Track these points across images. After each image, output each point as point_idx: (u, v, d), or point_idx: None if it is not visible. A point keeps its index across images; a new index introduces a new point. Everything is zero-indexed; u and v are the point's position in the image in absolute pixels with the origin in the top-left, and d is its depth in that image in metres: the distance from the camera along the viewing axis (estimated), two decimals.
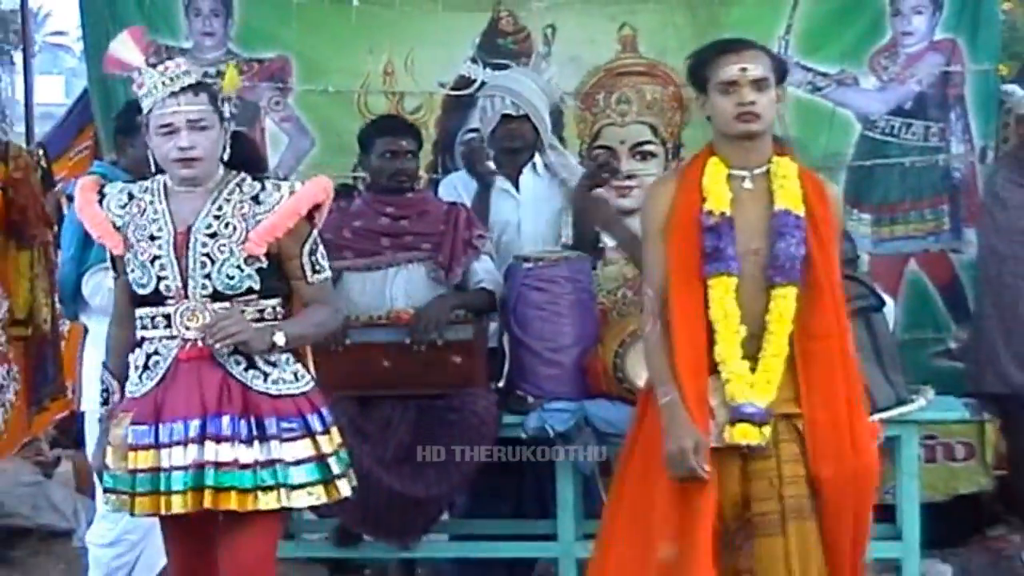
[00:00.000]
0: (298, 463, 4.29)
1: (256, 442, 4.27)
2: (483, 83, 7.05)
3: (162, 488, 4.23)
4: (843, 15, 7.05)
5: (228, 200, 4.39)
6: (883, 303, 6.12)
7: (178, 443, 4.25)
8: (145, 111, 4.30)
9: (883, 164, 7.02)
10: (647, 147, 7.06)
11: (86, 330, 5.99)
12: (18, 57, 16.87)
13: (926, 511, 5.95)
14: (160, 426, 4.26)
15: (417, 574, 6.63)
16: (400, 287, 5.99)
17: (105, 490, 4.41)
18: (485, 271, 6.08)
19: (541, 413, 5.86)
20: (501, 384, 6.18)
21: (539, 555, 6.24)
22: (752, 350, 4.26)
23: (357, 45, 7.21)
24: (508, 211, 6.39)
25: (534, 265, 6.03)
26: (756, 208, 4.32)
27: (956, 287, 7.03)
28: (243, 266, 4.33)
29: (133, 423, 4.29)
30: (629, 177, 6.89)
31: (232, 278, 4.32)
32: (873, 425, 4.53)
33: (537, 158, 6.44)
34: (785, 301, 4.25)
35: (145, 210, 4.32)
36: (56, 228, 6.98)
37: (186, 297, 4.30)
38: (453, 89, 7.18)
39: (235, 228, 4.33)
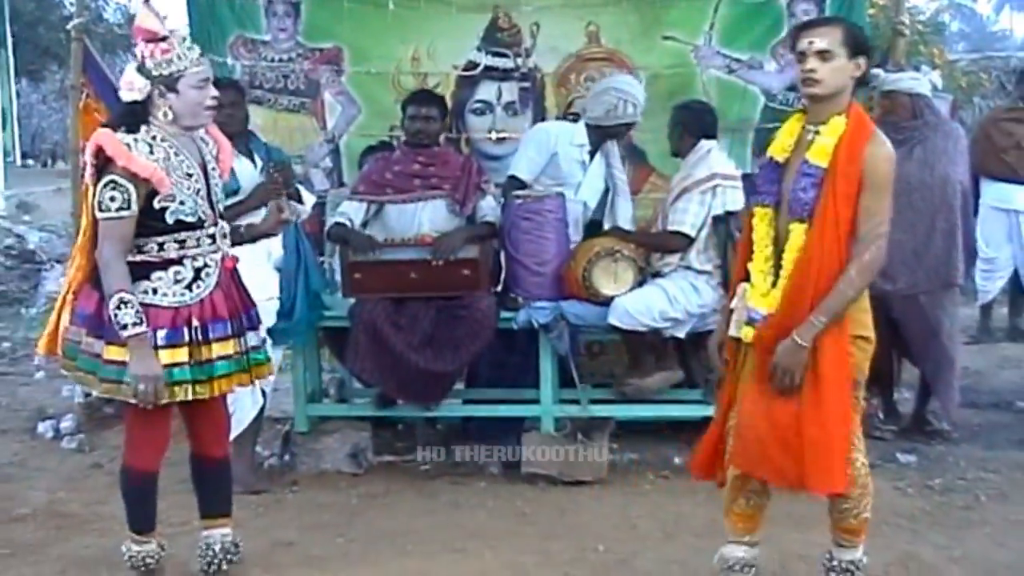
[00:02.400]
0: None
1: (256, 328, 4.62)
2: (487, 67, 7.25)
3: (226, 370, 4.46)
4: (751, 16, 7.12)
5: (204, 141, 4.54)
6: None
7: (239, 333, 4.51)
8: (175, 70, 4.29)
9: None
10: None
11: None
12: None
13: None
14: (231, 321, 4.47)
15: (437, 428, 6.87)
16: (426, 216, 6.32)
17: (176, 383, 4.30)
18: (489, 207, 6.40)
19: (528, 310, 6.23)
20: (499, 289, 6.48)
21: (526, 414, 6.39)
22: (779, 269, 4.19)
23: (392, 37, 7.29)
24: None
25: (523, 200, 6.34)
26: (799, 156, 4.17)
27: None
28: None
29: (213, 320, 4.40)
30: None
31: (223, 202, 4.58)
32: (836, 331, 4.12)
33: (609, 145, 6.61)
34: (794, 234, 4.13)
35: (168, 155, 4.31)
36: None
37: (216, 220, 4.47)
38: (464, 70, 7.28)
39: (214, 162, 4.53)
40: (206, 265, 4.41)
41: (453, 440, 6.66)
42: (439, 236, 6.23)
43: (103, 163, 4.28)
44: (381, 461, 6.50)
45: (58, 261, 12.12)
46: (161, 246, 4.33)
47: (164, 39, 4.34)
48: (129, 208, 4.22)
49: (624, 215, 6.61)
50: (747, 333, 4.25)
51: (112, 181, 4.23)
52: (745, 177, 6.31)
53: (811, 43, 4.11)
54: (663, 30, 7.17)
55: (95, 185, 4.31)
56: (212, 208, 4.44)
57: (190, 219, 4.34)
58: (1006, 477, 6.15)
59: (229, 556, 4.70)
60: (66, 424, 7.07)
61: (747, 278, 4.33)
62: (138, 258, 4.31)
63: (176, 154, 4.35)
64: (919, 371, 6.97)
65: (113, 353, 4.29)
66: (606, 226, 6.58)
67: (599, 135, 6.53)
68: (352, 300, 6.29)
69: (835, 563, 4.44)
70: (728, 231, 6.14)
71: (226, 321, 4.45)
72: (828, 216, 4.09)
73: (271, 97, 7.17)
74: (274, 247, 6.00)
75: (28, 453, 6.75)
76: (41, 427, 7.13)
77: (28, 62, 24.73)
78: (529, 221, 6.40)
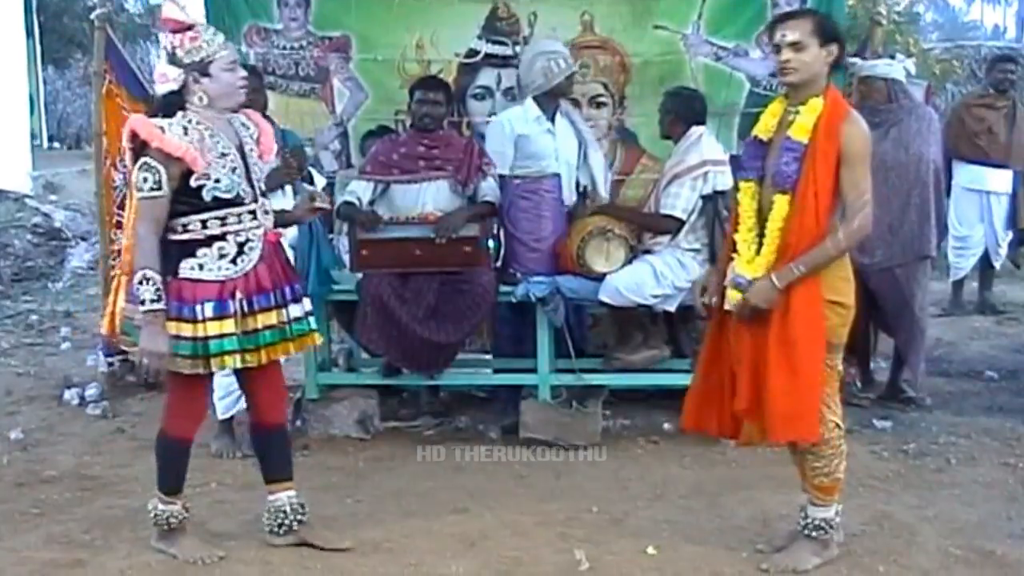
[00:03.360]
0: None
1: (298, 300, 4.57)
2: (487, 54, 7.22)
3: (269, 340, 4.44)
4: (737, 6, 7.10)
5: (244, 126, 4.52)
6: None
7: (282, 304, 4.48)
8: (205, 55, 4.30)
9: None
10: (600, 99, 7.20)
11: None
12: (161, 37, 16.84)
13: None
14: (274, 293, 4.44)
15: (440, 396, 6.87)
16: (430, 196, 6.30)
17: (225, 353, 4.30)
18: (489, 188, 6.35)
19: (526, 284, 6.22)
20: (498, 264, 6.48)
21: (524, 383, 6.40)
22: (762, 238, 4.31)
23: (398, 26, 7.26)
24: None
25: (522, 181, 6.36)
26: (781, 134, 4.30)
27: None
28: (264, 171, 4.59)
29: (258, 292, 4.39)
30: (588, 120, 6.89)
31: (263, 181, 4.55)
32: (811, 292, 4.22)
33: (563, 103, 6.54)
34: (777, 204, 4.24)
35: (203, 136, 4.29)
36: None
37: (256, 197, 4.44)
38: (465, 58, 7.26)
39: (252, 144, 4.50)
40: (248, 240, 4.39)
41: (455, 407, 6.68)
42: (442, 215, 6.21)
43: (139, 147, 4.27)
44: (387, 427, 6.50)
45: (82, 238, 12.14)
46: (204, 224, 4.31)
47: (191, 27, 4.35)
48: (160, 189, 4.21)
49: (597, 165, 6.60)
50: (732, 296, 4.34)
51: (145, 163, 4.22)
52: (732, 159, 6.27)
53: (784, 36, 4.27)
54: (654, 19, 7.15)
55: (132, 168, 4.32)
56: (252, 186, 4.42)
57: (227, 196, 4.33)
58: (975, 441, 6.17)
59: (298, 516, 4.68)
60: (91, 392, 7.10)
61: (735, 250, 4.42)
62: (183, 236, 4.31)
63: (211, 135, 4.34)
64: (893, 342, 6.98)
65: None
66: (583, 181, 6.59)
67: (549, 100, 6.46)
68: (360, 275, 6.29)
69: (809, 520, 4.46)
70: (716, 210, 6.11)
71: (269, 293, 4.45)
72: (808, 187, 4.20)
73: (283, 83, 7.17)
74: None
75: (55, 419, 6.76)
76: (67, 395, 7.14)
77: (54, 51, 24.65)
78: (527, 200, 6.42)
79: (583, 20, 7.21)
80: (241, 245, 4.38)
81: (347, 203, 6.33)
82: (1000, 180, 9.37)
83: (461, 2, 7.28)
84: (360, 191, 6.39)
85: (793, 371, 4.21)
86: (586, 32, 7.18)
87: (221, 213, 4.33)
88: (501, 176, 6.42)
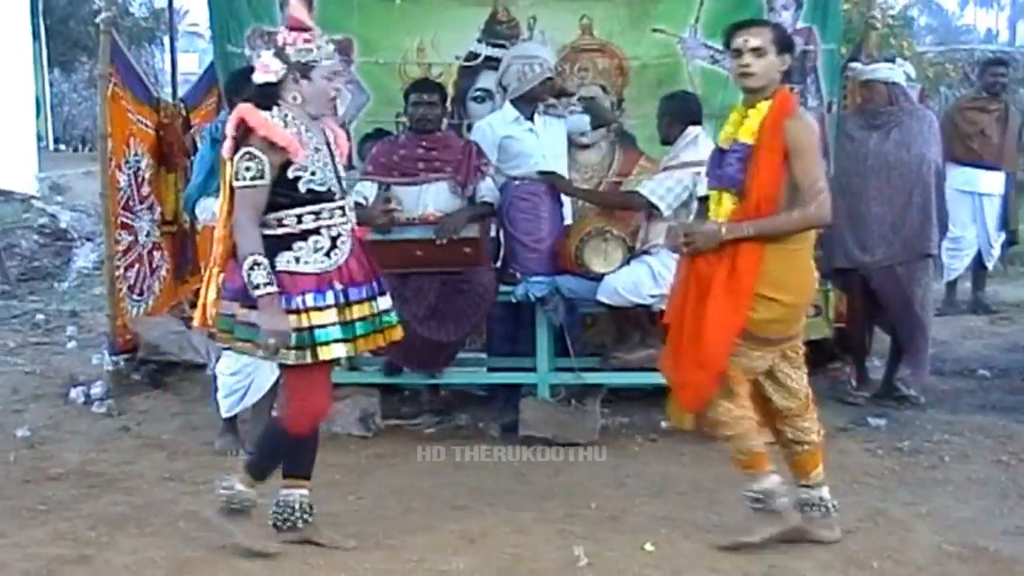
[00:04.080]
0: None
1: (384, 294, 4.57)
2: (487, 57, 7.19)
3: (365, 331, 4.48)
4: (734, 10, 6.81)
5: (321, 128, 4.52)
6: None
7: (372, 297, 4.50)
8: (311, 59, 4.34)
9: None
10: (600, 100, 7.06)
11: (214, 231, 5.66)
12: (166, 40, 16.74)
13: None
14: (365, 286, 4.47)
15: (441, 394, 6.85)
16: (430, 197, 6.29)
17: (326, 343, 4.33)
18: (488, 188, 6.36)
19: (525, 284, 6.24)
20: (498, 264, 6.48)
21: (524, 381, 6.41)
22: None
23: (399, 30, 7.25)
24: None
25: (521, 183, 6.38)
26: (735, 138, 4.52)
27: None
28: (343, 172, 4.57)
29: (352, 284, 4.42)
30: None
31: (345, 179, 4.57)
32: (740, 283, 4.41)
33: (541, 105, 6.53)
34: (724, 199, 4.51)
35: (300, 131, 4.33)
36: (191, 158, 6.99)
37: (344, 194, 4.49)
38: (465, 61, 7.28)
39: (335, 146, 4.54)
40: (340, 235, 4.41)
41: (456, 406, 6.68)
42: (442, 216, 6.20)
43: (242, 135, 4.28)
44: (388, 425, 6.50)
45: (88, 239, 12.14)
46: (299, 218, 4.33)
47: (309, 30, 4.42)
48: (262, 177, 4.25)
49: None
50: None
51: (248, 152, 4.25)
52: None
53: (746, 41, 4.45)
54: (652, 23, 7.17)
55: (232, 158, 4.31)
56: (340, 183, 4.47)
57: (321, 189, 4.36)
58: (968, 439, 6.17)
59: (305, 516, 4.65)
60: (96, 390, 7.08)
61: None
62: (279, 231, 4.32)
63: (307, 130, 4.38)
64: (890, 340, 6.99)
65: None
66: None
67: (527, 102, 6.46)
68: None
69: (748, 495, 4.61)
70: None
71: (361, 285, 4.47)
72: (753, 184, 4.40)
73: None
74: None
75: (61, 417, 6.76)
76: (73, 393, 7.13)
77: (60, 53, 24.67)
78: (526, 202, 6.43)
79: (582, 24, 7.22)
80: (334, 239, 4.40)
81: (356, 204, 6.24)
82: (992, 182, 9.41)
83: (461, 6, 7.29)
84: (367, 192, 6.38)
85: (696, 342, 4.45)
86: (585, 36, 7.18)
87: (315, 208, 4.36)
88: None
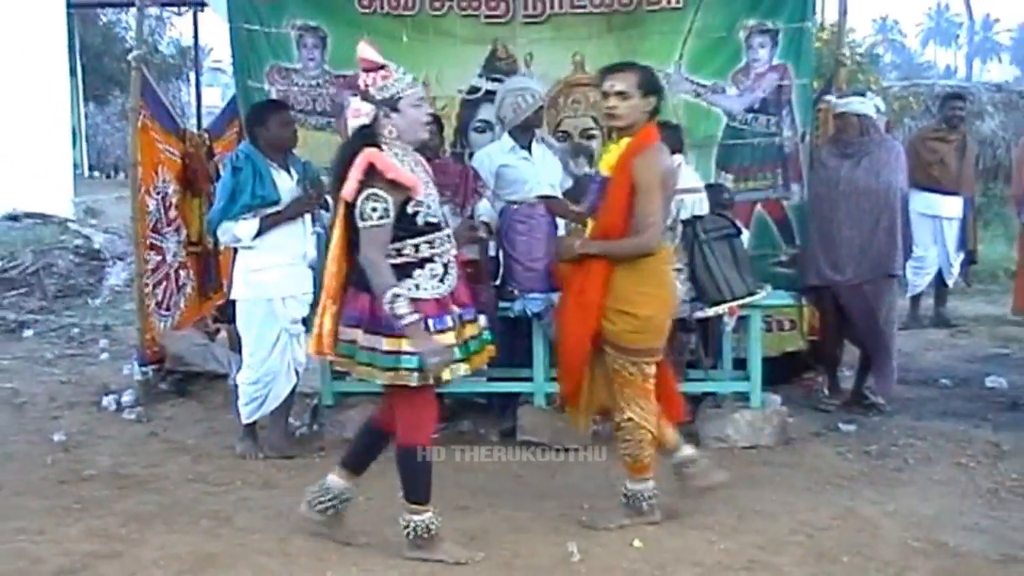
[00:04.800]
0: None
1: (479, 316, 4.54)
2: (487, 91, 7.12)
3: (474, 350, 4.46)
4: (715, 47, 7.10)
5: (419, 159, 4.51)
6: (740, 231, 6.38)
7: (473, 320, 4.47)
8: (394, 92, 4.31)
9: (741, 143, 7.13)
10: (591, 131, 7.16)
11: (235, 251, 5.97)
12: (192, 76, 16.80)
13: (765, 362, 6.28)
14: (468, 308, 4.46)
15: (444, 402, 6.37)
16: None
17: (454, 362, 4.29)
18: (485, 209, 6.31)
19: (523, 300, 6.21)
20: (498, 282, 6.38)
21: (522, 390, 6.39)
22: None
23: (406, 65, 6.53)
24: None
25: (518, 207, 6.33)
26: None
27: (786, 221, 7.14)
28: None
29: (462, 306, 4.41)
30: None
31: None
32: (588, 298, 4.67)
33: (537, 132, 6.50)
34: (590, 221, 4.76)
35: (410, 166, 4.33)
36: (214, 184, 6.88)
37: (447, 222, 4.50)
38: (467, 94, 7.25)
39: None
40: (449, 261, 4.40)
41: (458, 413, 6.66)
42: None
43: (365, 178, 4.23)
44: None
45: (119, 259, 12.14)
46: (416, 248, 4.30)
47: (383, 67, 4.39)
48: (388, 216, 4.21)
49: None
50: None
51: (373, 194, 4.21)
52: (708, 187, 6.35)
53: (612, 85, 4.58)
54: (639, 60, 6.88)
55: (354, 200, 4.25)
56: (442, 214, 4.45)
57: (434, 220, 4.34)
58: (931, 443, 6.17)
59: (338, 506, 4.64)
60: (127, 398, 7.07)
61: None
62: (399, 260, 4.27)
63: (415, 164, 4.37)
64: (859, 353, 6.99)
65: (391, 344, 4.24)
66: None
67: (524, 131, 6.43)
68: None
69: (624, 490, 4.87)
70: (695, 233, 6.10)
71: (467, 307, 4.46)
72: (604, 211, 4.64)
73: (302, 117, 7.10)
74: (309, 250, 5.97)
75: (95, 423, 6.74)
76: (105, 401, 7.12)
77: (94, 88, 24.77)
78: (523, 224, 6.38)
79: (575, 60, 7.18)
80: (445, 266, 4.37)
81: None
82: (952, 206, 9.47)
83: (463, 44, 7.24)
84: None
85: (562, 342, 4.83)
86: (577, 71, 7.15)
87: (429, 237, 4.33)
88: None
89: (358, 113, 4.36)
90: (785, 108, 7.13)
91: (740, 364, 6.50)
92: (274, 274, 5.85)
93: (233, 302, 6.05)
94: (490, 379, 6.49)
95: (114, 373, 7.93)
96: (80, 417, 6.90)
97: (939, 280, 9.74)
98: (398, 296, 4.15)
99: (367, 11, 7.21)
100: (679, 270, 6.11)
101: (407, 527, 4.47)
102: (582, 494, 5.32)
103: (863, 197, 6.62)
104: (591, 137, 7.20)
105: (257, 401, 5.95)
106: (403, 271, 4.28)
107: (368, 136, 4.33)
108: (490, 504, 5.20)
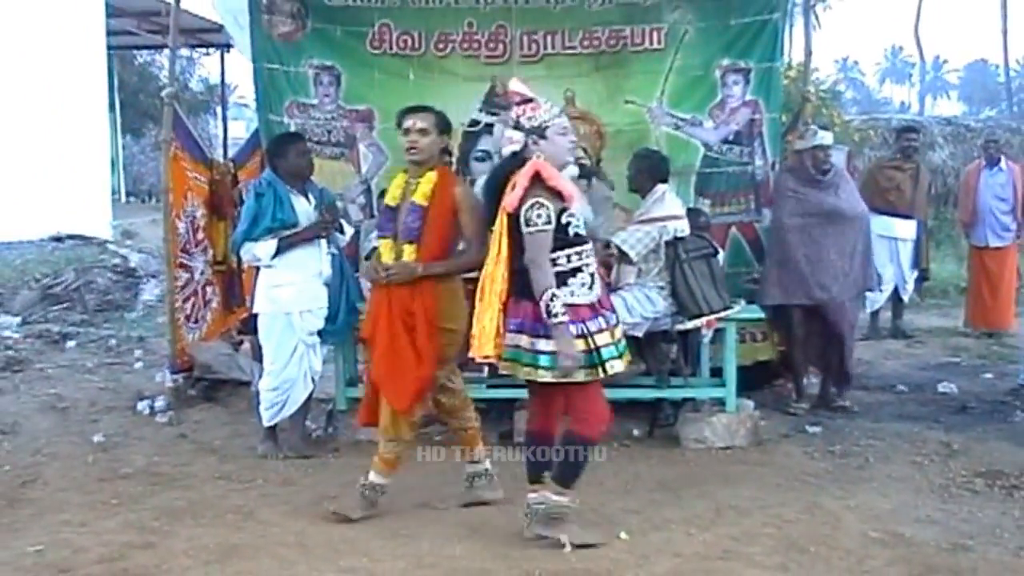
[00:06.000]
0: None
1: None
2: (487, 124, 7.19)
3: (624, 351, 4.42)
4: (693, 84, 7.10)
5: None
6: (717, 251, 6.43)
7: (616, 325, 4.42)
8: (542, 122, 4.36)
9: (717, 171, 7.19)
10: (582, 161, 6.76)
11: (257, 269, 5.98)
12: (219, 110, 16.86)
13: (739, 370, 6.31)
14: (614, 314, 4.44)
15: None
16: None
17: (608, 360, 4.29)
18: None
19: None
20: None
21: (518, 396, 5.93)
22: None
23: (412, 101, 6.53)
24: None
25: None
26: (407, 201, 4.75)
27: (758, 242, 7.17)
28: None
29: (609, 311, 4.39)
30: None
31: None
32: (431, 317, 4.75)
33: None
34: (407, 251, 4.71)
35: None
36: (238, 209, 6.83)
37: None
38: (468, 126, 7.28)
39: None
40: (593, 272, 4.38)
41: None
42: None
43: (531, 186, 4.26)
44: None
45: (153, 276, 12.12)
46: (568, 258, 4.30)
47: (531, 100, 4.42)
48: (550, 223, 4.24)
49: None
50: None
51: (538, 201, 4.24)
52: (688, 211, 6.37)
53: (414, 123, 4.75)
54: (624, 95, 7.19)
55: (518, 208, 4.26)
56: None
57: (582, 231, 4.34)
58: (889, 443, 6.16)
59: (560, 512, 4.48)
60: (159, 403, 7.05)
61: None
62: (555, 269, 4.28)
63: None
64: (823, 362, 7.00)
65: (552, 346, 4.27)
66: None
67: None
68: None
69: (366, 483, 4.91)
70: (676, 253, 6.11)
71: (613, 312, 4.44)
72: (427, 236, 4.70)
73: (317, 148, 7.13)
74: (324, 268, 5.96)
75: (130, 426, 6.72)
76: (139, 406, 7.09)
77: (131, 121, 24.78)
78: None
79: (566, 96, 7.20)
80: (592, 275, 4.36)
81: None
82: (906, 228, 9.49)
83: (464, 81, 7.27)
84: None
85: (414, 366, 4.74)
86: (568, 106, 7.14)
87: (579, 248, 4.33)
88: None
89: (511, 141, 4.42)
90: (757, 140, 7.19)
91: (716, 372, 6.48)
92: (292, 290, 5.84)
93: (255, 315, 6.04)
94: (489, 385, 6.43)
95: (148, 380, 7.89)
96: (117, 420, 6.88)
97: (896, 296, 9.75)
98: (555, 296, 4.19)
99: (377, 52, 7.27)
100: (661, 287, 6.15)
101: (541, 504, 4.45)
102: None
103: (847, 224, 6.68)
104: (582, 166, 7.11)
105: (277, 406, 5.93)
106: (559, 279, 4.28)
107: (519, 161, 4.38)
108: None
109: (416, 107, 4.88)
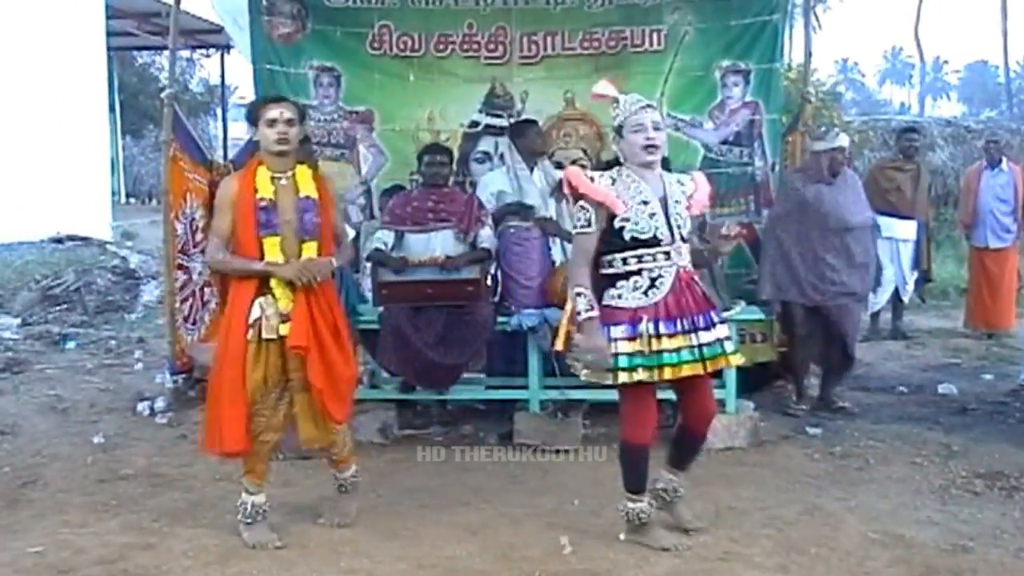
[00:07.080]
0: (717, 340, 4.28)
1: (712, 327, 4.28)
2: (487, 125, 7.24)
3: (675, 360, 4.21)
4: (693, 86, 7.19)
5: (680, 183, 4.43)
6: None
7: (691, 330, 4.22)
8: (620, 121, 4.30)
9: (717, 172, 7.10)
10: (581, 162, 7.12)
11: None
12: (219, 111, 16.88)
13: (739, 372, 6.08)
14: (680, 320, 4.21)
15: (448, 408, 6.78)
16: (438, 243, 6.22)
17: (630, 368, 4.19)
18: (487, 236, 6.28)
19: (519, 316, 6.22)
20: (496, 299, 6.39)
21: (518, 397, 6.37)
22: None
23: (413, 102, 7.30)
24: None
25: (515, 229, 6.38)
26: (288, 196, 4.44)
27: (757, 243, 7.12)
28: (691, 223, 4.40)
29: (665, 319, 4.19)
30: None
31: (689, 230, 4.38)
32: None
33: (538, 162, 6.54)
34: (305, 249, 4.45)
35: (628, 185, 4.25)
36: None
37: (673, 240, 4.27)
38: (468, 128, 7.35)
39: (682, 198, 4.36)
40: (660, 276, 4.25)
41: (460, 418, 6.66)
42: (448, 258, 6.16)
43: (573, 191, 4.30)
44: (403, 434, 6.44)
45: (152, 277, 12.13)
46: (624, 261, 4.25)
47: (616, 100, 4.38)
48: (590, 226, 4.23)
49: (530, 192, 6.53)
50: (285, 328, 4.43)
51: (581, 205, 4.26)
52: None
53: (282, 113, 4.47)
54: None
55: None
56: (671, 231, 4.26)
57: (643, 236, 4.23)
58: (889, 445, 6.16)
59: (674, 496, 4.65)
60: (159, 404, 7.06)
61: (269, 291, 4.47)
62: (608, 271, 4.27)
63: (636, 186, 4.27)
64: (824, 364, 6.99)
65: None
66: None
67: (528, 156, 6.52)
68: (381, 309, 6.27)
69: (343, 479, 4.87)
70: None
71: (675, 320, 4.23)
72: (325, 230, 4.55)
73: (318, 149, 7.16)
74: None
75: (130, 427, 6.72)
76: (139, 407, 7.10)
77: (131, 123, 24.79)
78: (519, 246, 6.43)
79: (566, 97, 7.25)
80: (653, 280, 4.25)
81: (377, 249, 6.29)
82: (907, 229, 9.47)
83: (465, 83, 7.31)
84: (385, 238, 6.35)
85: (343, 369, 4.57)
86: (569, 107, 7.21)
87: (638, 252, 4.24)
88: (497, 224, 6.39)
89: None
90: (756, 141, 7.25)
91: (716, 373, 6.34)
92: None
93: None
94: (489, 387, 6.52)
95: (147, 381, 7.90)
96: (117, 421, 6.88)
97: (896, 297, 9.75)
98: (580, 294, 4.19)
99: (377, 53, 7.30)
100: None
101: (623, 512, 4.48)
102: (572, 492, 5.29)
103: (848, 232, 6.59)
104: (582, 167, 7.09)
105: None
106: (609, 280, 4.28)
107: (611, 162, 4.43)
108: (489, 501, 5.17)
109: (277, 96, 4.77)
